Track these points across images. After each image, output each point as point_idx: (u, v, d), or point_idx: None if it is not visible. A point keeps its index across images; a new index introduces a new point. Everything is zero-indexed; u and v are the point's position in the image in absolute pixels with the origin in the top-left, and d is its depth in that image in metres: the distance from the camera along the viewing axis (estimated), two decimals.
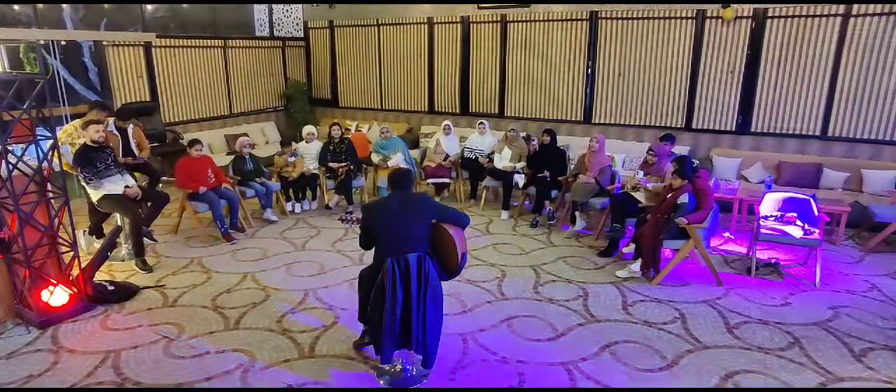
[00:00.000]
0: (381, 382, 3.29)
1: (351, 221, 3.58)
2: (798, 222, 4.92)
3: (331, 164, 6.73)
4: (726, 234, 5.90)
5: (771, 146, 7.05)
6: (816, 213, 4.91)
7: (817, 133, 6.78)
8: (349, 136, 7.36)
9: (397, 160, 6.84)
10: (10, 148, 3.82)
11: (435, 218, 3.21)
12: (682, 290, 4.60)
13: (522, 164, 6.61)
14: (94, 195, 4.87)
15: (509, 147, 6.73)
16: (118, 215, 5.22)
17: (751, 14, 6.77)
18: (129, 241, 5.14)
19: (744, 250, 5.47)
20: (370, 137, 8.54)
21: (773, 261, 5.07)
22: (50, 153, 4.03)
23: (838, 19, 6.39)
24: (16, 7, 6.80)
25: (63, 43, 6.95)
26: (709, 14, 6.99)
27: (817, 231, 4.81)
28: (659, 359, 3.59)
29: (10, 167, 3.82)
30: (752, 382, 3.33)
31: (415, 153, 8.06)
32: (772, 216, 5.06)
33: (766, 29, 6.75)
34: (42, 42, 6.55)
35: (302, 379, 3.36)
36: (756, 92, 6.97)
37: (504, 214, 6.58)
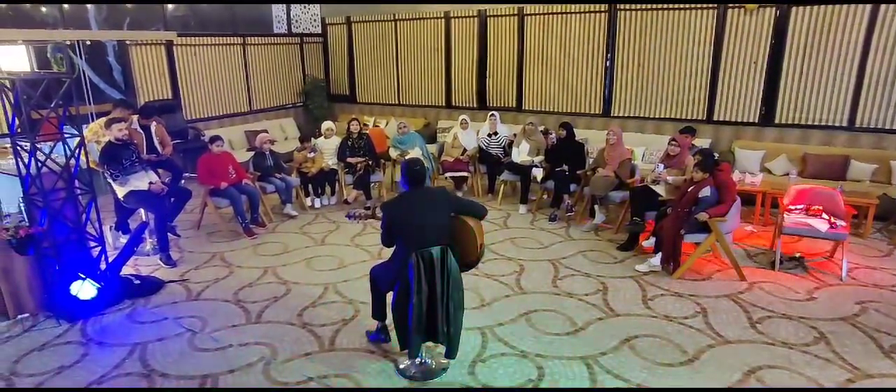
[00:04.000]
0: (407, 377, 3.33)
1: (358, 217, 3.59)
2: (824, 215, 4.81)
3: (349, 160, 6.77)
4: (749, 228, 5.81)
5: (795, 138, 6.89)
6: (843, 205, 4.79)
7: (844, 124, 6.61)
8: (367, 132, 7.40)
9: (415, 155, 6.85)
10: (38, 146, 3.93)
11: (453, 210, 3.22)
12: (704, 285, 4.54)
13: (540, 157, 6.58)
14: (121, 191, 4.97)
15: (527, 141, 6.69)
16: (143, 211, 5.34)
17: (775, 2, 6.61)
18: (153, 236, 5.25)
19: (767, 244, 5.37)
20: (388, 133, 8.57)
21: (797, 255, 4.97)
22: (77, 151, 4.13)
23: (868, 5, 6.20)
24: (43, 8, 6.96)
25: (88, 43, 7.10)
26: (731, 3, 6.85)
27: (844, 224, 4.70)
28: (679, 353, 3.55)
29: (40, 164, 3.92)
30: (775, 378, 3.28)
31: (432, 148, 8.07)
32: (796, 209, 4.96)
33: (790, 16, 6.59)
34: (68, 42, 6.70)
35: (323, 371, 3.40)
36: (780, 82, 6.82)
37: (522, 208, 6.56)
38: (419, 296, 3.07)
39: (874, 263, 4.96)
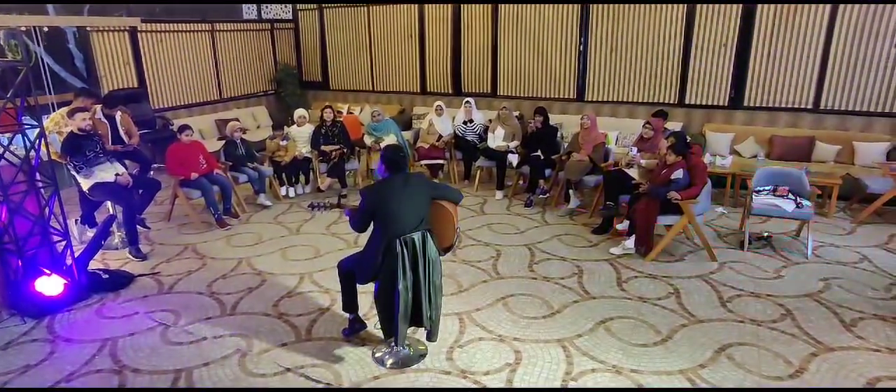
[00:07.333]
0: (387, 365, 3.32)
1: (322, 208, 3.53)
2: (790, 195, 4.95)
3: (323, 148, 6.68)
4: (720, 210, 5.94)
5: (763, 120, 7.05)
6: (808, 185, 4.93)
7: (809, 106, 6.79)
8: (341, 119, 7.30)
9: (390, 142, 6.80)
10: None
11: (432, 195, 3.23)
12: (676, 266, 4.63)
13: (516, 142, 6.59)
14: (85, 184, 4.82)
15: (502, 126, 6.69)
16: (110, 203, 5.18)
17: None
18: (121, 229, 5.11)
19: (737, 225, 5.50)
20: (362, 120, 8.48)
21: (765, 234, 5.11)
22: (37, 142, 3.98)
23: None
24: None
25: (46, 29, 6.81)
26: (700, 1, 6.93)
27: (809, 204, 4.84)
28: (654, 334, 3.63)
29: None
30: (744, 354, 3.37)
31: (407, 134, 8.01)
32: (764, 190, 5.09)
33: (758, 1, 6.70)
34: (23, 28, 6.41)
35: (300, 362, 3.37)
36: (749, 65, 6.95)
37: (498, 194, 6.58)
38: (405, 282, 3.08)
39: (838, 241, 5.12)
